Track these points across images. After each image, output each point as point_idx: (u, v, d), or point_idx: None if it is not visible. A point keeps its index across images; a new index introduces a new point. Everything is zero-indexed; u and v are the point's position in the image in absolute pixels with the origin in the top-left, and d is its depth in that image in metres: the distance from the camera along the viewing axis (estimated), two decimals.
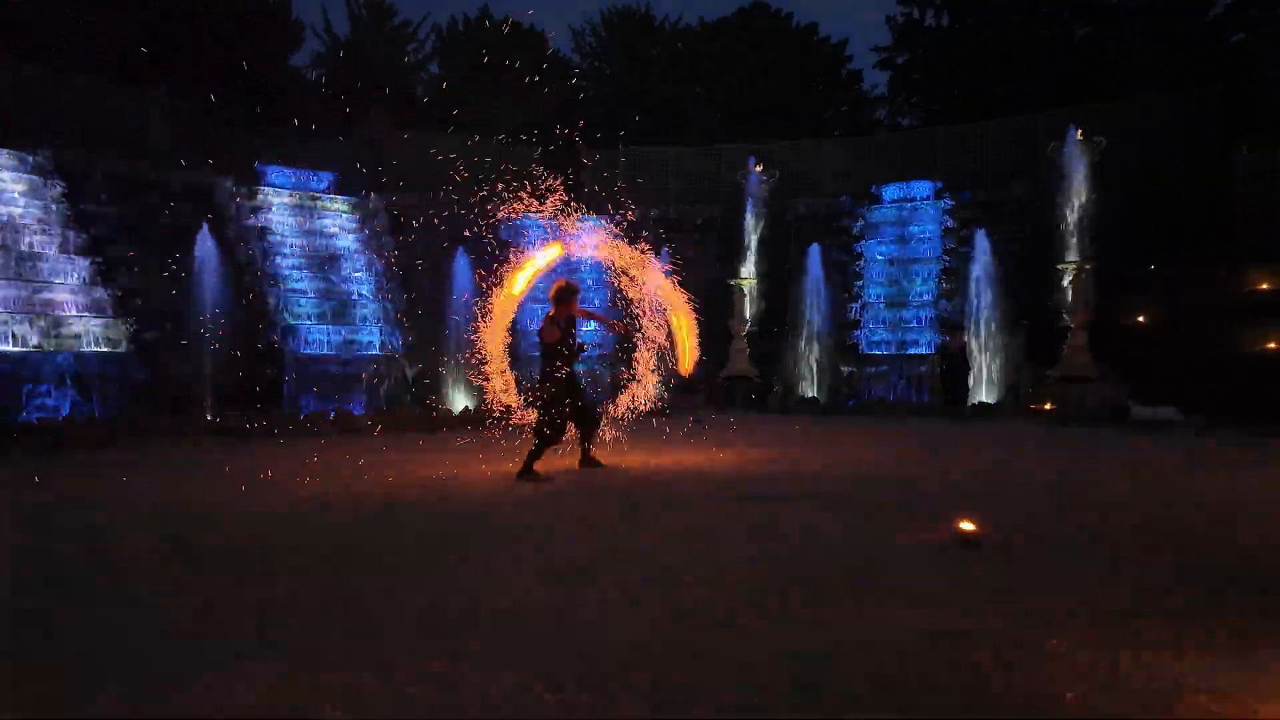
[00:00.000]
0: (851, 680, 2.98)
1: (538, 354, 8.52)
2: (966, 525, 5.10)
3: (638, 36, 33.18)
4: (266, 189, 19.46)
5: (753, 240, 20.57)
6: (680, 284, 9.60)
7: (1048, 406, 15.48)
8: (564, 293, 8.21)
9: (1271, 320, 15.55)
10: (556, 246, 9.71)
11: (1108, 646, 3.30)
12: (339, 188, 20.71)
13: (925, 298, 19.90)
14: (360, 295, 19.03)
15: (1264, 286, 16.08)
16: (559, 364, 8.10)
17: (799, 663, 3.15)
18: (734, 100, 30.52)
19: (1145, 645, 3.33)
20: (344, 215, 20.43)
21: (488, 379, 9.08)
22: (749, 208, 20.78)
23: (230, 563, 4.78)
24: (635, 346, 9.57)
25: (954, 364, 17.10)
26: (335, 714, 2.73)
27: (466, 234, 20.50)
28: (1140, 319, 17.14)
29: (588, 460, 8.58)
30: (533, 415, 8.38)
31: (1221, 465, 9.17)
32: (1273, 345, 15.49)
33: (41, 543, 5.43)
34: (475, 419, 14.25)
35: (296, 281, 18.33)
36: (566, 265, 15.97)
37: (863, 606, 3.86)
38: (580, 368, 20.60)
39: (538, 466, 7.99)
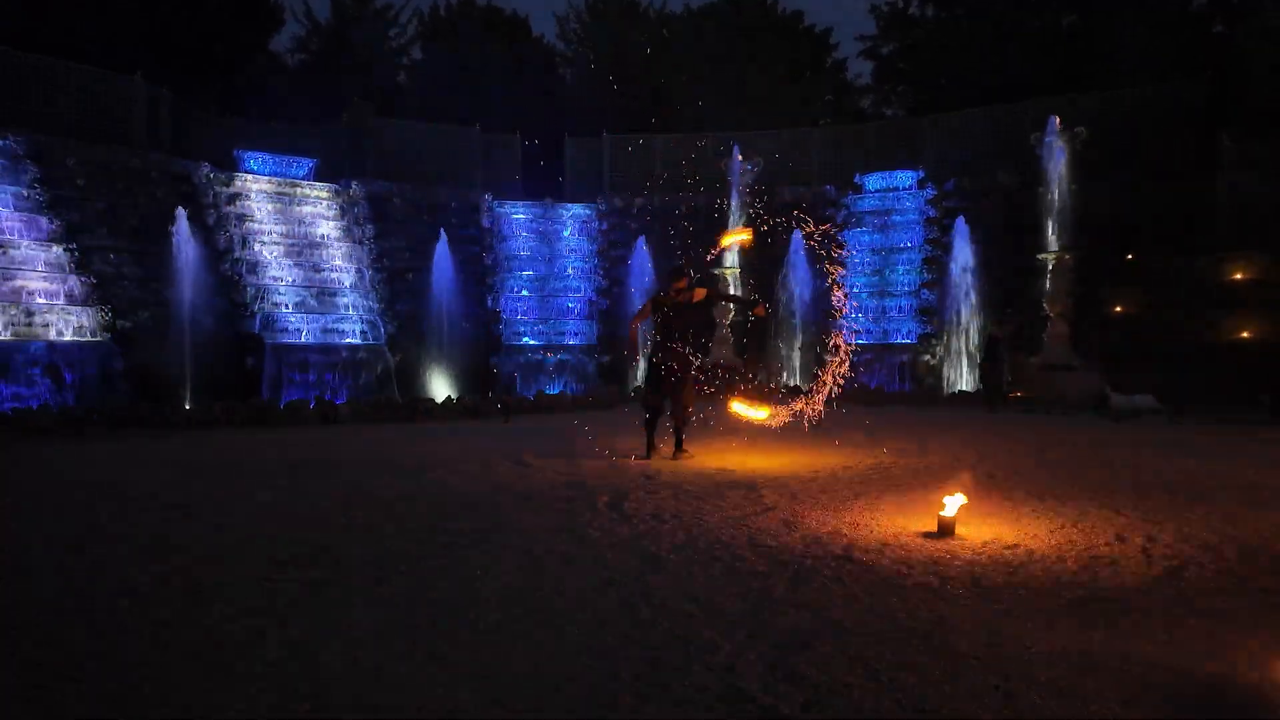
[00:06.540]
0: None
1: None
2: (946, 514, 5.11)
3: (622, 23, 32.91)
4: (245, 175, 19.19)
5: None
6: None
7: (1018, 395, 15.63)
8: (670, 274, 8.35)
9: (1249, 310, 15.71)
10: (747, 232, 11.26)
11: (1084, 631, 3.31)
12: (319, 174, 20.43)
13: (907, 287, 19.97)
14: (341, 284, 18.85)
15: (1240, 276, 16.23)
16: (667, 344, 8.20)
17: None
18: (720, 88, 30.37)
19: (1120, 630, 3.34)
20: (324, 202, 20.19)
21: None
22: (733, 196, 20.73)
23: None
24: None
25: (995, 353, 15.75)
26: None
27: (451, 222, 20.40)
28: (1119, 308, 17.27)
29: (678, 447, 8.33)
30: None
31: (1188, 450, 9.27)
32: (1247, 334, 15.66)
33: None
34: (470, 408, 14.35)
35: (276, 269, 18.13)
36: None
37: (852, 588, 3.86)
38: (565, 358, 20.64)
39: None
